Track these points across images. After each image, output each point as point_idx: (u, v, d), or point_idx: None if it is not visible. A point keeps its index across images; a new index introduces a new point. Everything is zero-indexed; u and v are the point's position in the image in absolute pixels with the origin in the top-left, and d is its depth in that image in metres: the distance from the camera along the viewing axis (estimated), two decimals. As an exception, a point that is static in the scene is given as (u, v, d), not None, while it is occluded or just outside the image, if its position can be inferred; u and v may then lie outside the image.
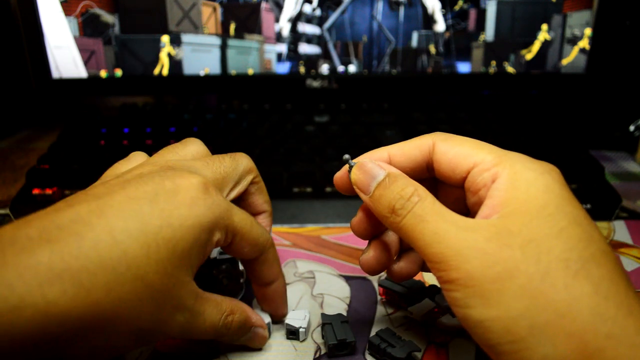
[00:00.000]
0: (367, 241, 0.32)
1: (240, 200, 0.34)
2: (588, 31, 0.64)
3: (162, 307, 0.25)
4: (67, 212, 0.24)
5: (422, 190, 0.26)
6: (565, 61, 0.66)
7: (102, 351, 0.25)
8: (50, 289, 0.21)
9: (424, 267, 0.32)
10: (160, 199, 0.25)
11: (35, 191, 0.51)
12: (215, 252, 0.34)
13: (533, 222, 0.23)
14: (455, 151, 0.27)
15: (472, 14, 0.65)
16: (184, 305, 0.27)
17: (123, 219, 0.24)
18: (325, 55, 0.66)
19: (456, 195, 0.29)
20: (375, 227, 0.31)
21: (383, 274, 0.41)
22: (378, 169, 0.27)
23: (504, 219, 0.23)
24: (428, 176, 0.29)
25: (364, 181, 0.28)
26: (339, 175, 0.30)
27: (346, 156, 0.29)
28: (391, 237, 0.31)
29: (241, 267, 0.36)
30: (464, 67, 0.67)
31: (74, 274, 0.22)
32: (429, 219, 0.24)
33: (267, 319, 0.33)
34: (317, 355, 0.33)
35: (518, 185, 0.24)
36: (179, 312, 0.26)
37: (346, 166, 0.29)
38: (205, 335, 0.29)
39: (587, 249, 0.22)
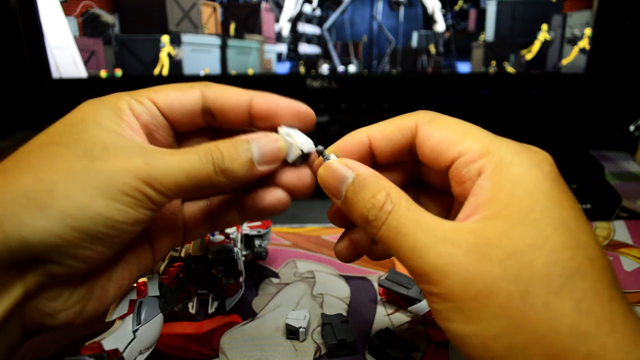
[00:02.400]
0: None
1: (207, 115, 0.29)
2: (588, 31, 0.64)
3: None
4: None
5: (395, 193, 0.24)
6: (565, 61, 0.66)
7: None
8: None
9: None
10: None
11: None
12: (214, 252, 0.34)
13: (516, 229, 0.21)
14: (439, 136, 0.25)
15: (472, 14, 0.65)
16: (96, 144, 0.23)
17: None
18: (325, 55, 0.66)
19: (441, 178, 0.27)
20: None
21: (383, 274, 0.41)
22: (345, 170, 0.25)
23: (485, 224, 0.22)
24: (411, 158, 0.28)
25: (332, 185, 0.26)
26: (331, 210, 0.29)
27: (319, 147, 0.27)
28: None
29: (240, 267, 0.36)
30: (464, 67, 0.67)
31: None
32: (405, 231, 0.23)
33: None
34: (317, 355, 0.33)
35: (503, 185, 0.22)
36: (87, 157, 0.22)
37: (321, 159, 0.28)
38: (192, 180, 0.24)
39: (573, 258, 0.21)
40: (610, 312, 0.20)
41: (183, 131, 0.29)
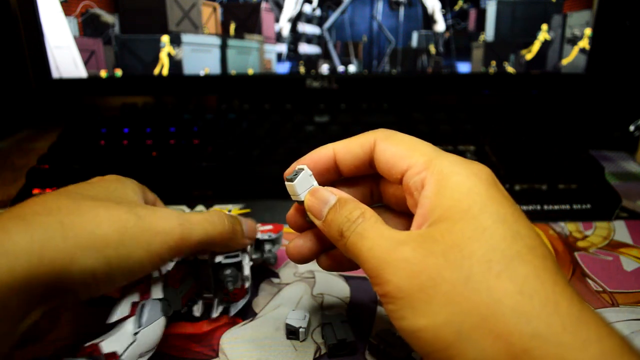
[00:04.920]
0: None
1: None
2: (588, 31, 0.64)
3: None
4: None
5: (369, 213, 0.27)
6: (565, 61, 0.66)
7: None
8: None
9: (348, 267, 0.32)
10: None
11: (35, 191, 0.51)
12: (220, 257, 0.34)
13: (456, 226, 0.23)
14: (392, 151, 0.28)
15: (472, 14, 0.65)
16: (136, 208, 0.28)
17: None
18: (325, 55, 0.66)
19: (398, 193, 0.30)
20: (308, 223, 0.32)
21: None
22: (329, 195, 0.29)
23: (431, 228, 0.24)
24: (372, 172, 0.30)
25: (316, 207, 0.29)
26: (290, 213, 0.32)
27: (298, 167, 0.30)
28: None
29: (246, 272, 0.35)
30: (464, 67, 0.67)
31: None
32: (367, 235, 0.25)
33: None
34: (317, 355, 0.33)
35: (443, 192, 0.25)
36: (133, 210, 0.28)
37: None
38: (212, 239, 0.31)
39: (511, 247, 0.22)
40: (554, 294, 0.21)
41: None
